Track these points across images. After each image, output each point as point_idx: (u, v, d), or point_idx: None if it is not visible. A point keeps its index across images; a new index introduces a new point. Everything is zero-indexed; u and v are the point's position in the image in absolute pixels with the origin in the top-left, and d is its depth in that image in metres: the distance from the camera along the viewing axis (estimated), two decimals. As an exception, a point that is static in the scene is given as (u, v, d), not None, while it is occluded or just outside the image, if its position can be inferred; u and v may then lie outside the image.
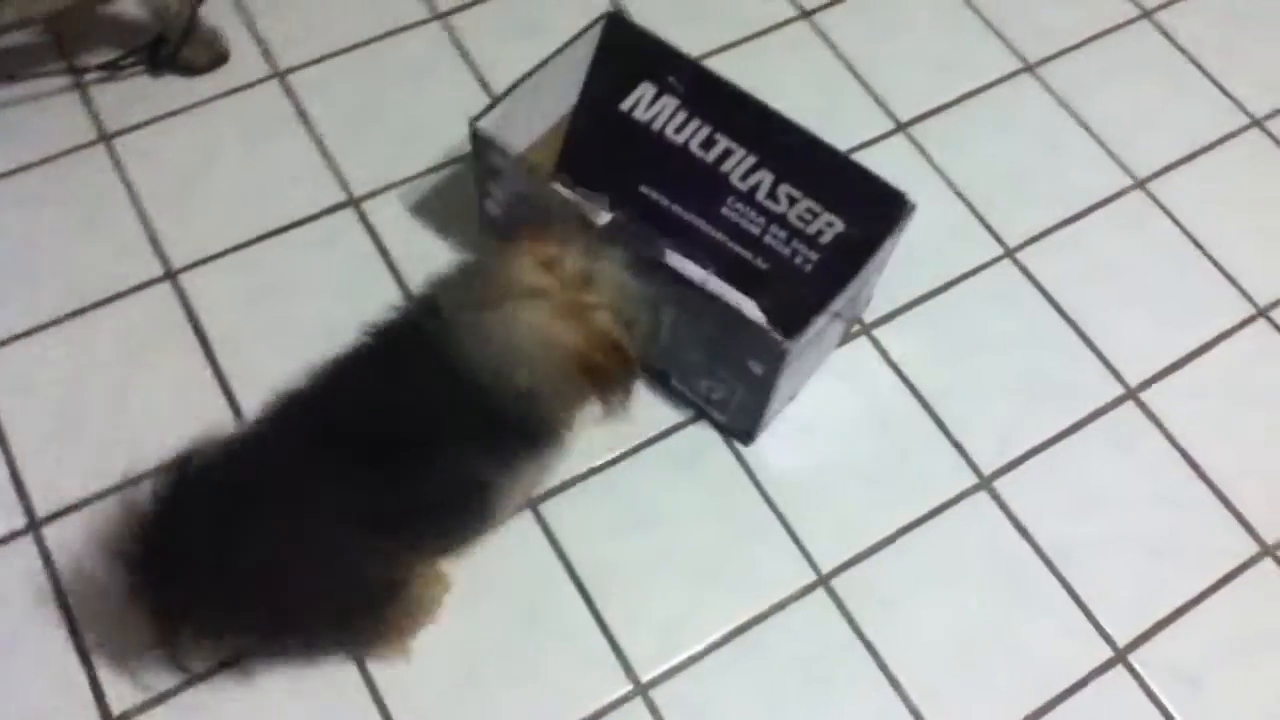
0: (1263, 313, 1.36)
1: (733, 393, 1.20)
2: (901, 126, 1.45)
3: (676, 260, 1.14)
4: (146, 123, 1.38)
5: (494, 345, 0.93)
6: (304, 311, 1.26)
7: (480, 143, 1.17)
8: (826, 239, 1.20)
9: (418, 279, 1.28)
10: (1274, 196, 1.45)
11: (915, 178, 1.41)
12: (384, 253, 1.31)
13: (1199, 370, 1.31)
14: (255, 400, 1.18)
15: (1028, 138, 1.46)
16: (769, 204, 1.22)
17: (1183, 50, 1.55)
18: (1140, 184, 1.44)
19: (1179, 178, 1.45)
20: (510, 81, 1.22)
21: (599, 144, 1.25)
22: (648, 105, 1.25)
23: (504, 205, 1.24)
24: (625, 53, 1.25)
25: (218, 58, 1.42)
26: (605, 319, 0.96)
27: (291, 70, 1.43)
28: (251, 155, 1.37)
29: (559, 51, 1.23)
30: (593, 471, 1.20)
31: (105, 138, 1.36)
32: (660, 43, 1.25)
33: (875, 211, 1.18)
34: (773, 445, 1.23)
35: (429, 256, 1.30)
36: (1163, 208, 1.42)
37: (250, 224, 1.32)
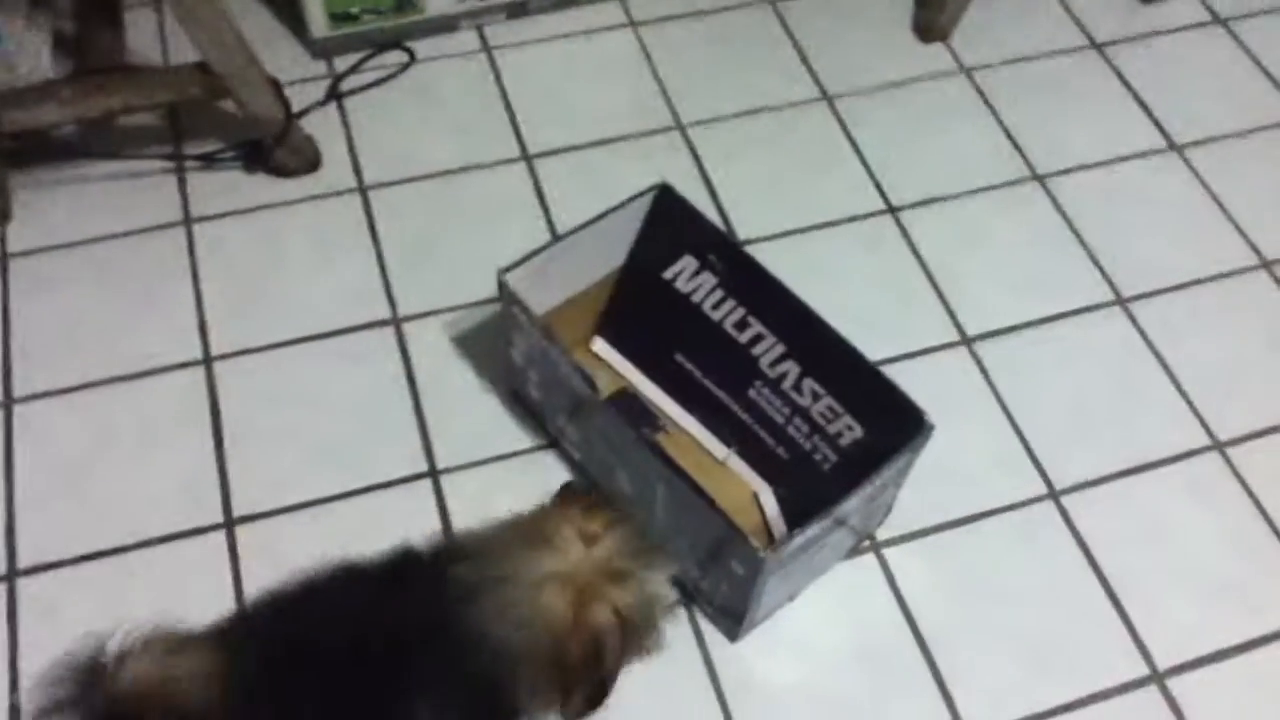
0: (1335, 615, 1.21)
1: (718, 586, 1.14)
2: (966, 340, 1.38)
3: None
4: (228, 214, 1.44)
5: (504, 613, 0.87)
6: (317, 423, 1.28)
7: (507, 294, 1.17)
8: (845, 442, 1.17)
9: (435, 412, 1.29)
10: (1374, 487, 1.30)
11: (968, 396, 1.34)
12: (411, 379, 1.32)
13: (1239, 669, 1.17)
14: (247, 498, 1.21)
15: (1100, 375, 1.37)
16: (794, 395, 1.20)
17: (1299, 310, 1.44)
18: (1218, 446, 1.32)
19: (1265, 447, 1.32)
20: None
21: (640, 307, 1.27)
22: (689, 278, 1.25)
23: (525, 358, 1.23)
24: (672, 224, 1.25)
25: (309, 164, 1.49)
26: (613, 624, 0.88)
27: (374, 187, 1.48)
28: (314, 260, 1.41)
29: (605, 215, 1.23)
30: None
31: (188, 221, 1.43)
32: (704, 220, 1.24)
33: (894, 424, 1.11)
34: (755, 648, 1.16)
35: (452, 391, 1.31)
36: (1238, 476, 1.30)
37: (294, 325, 1.35)
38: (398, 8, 1.60)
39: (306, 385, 1.31)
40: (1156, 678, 1.16)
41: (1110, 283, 1.44)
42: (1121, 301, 1.43)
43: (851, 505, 1.08)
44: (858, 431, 1.17)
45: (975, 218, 1.49)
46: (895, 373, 1.12)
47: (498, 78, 1.61)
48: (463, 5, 1.63)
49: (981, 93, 1.62)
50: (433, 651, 0.88)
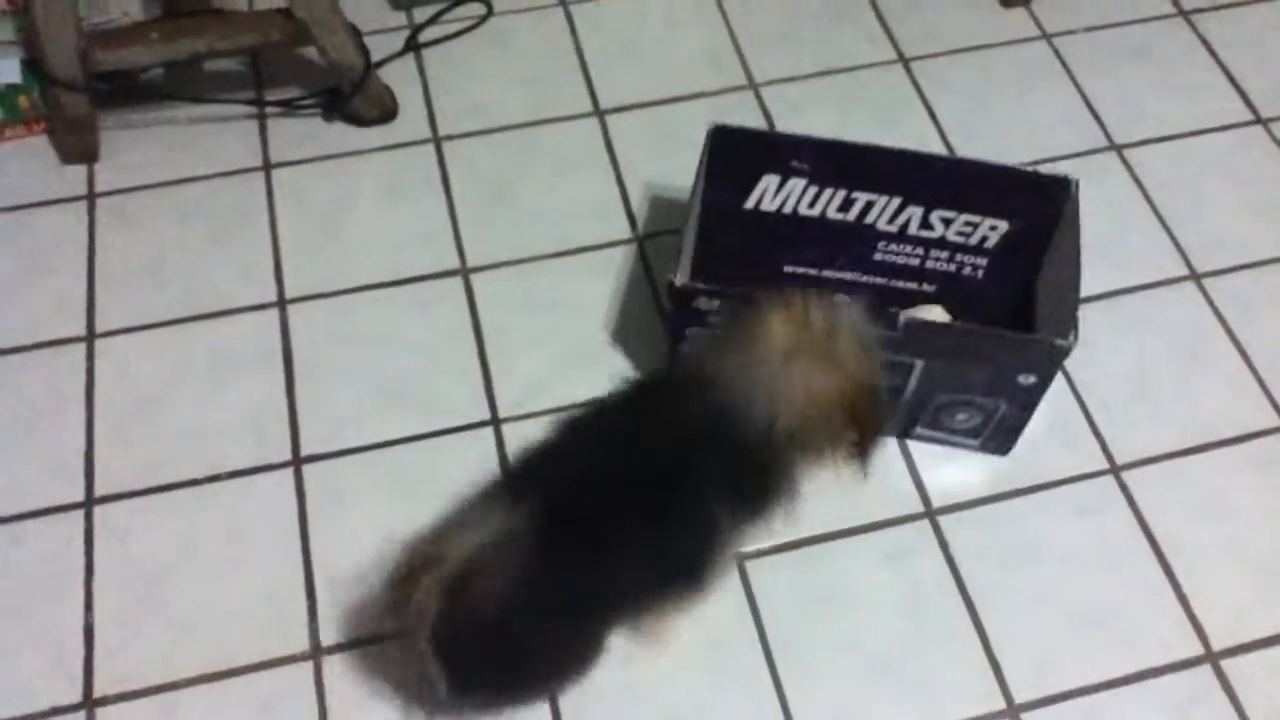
0: (1398, 604, 1.19)
1: (992, 413, 1.19)
2: (1033, 310, 1.37)
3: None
4: (306, 160, 1.48)
5: (762, 397, 0.94)
6: (383, 364, 1.31)
7: (683, 296, 1.14)
8: (992, 243, 1.23)
9: (499, 360, 1.31)
10: None
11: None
12: (477, 328, 1.34)
13: (1297, 650, 1.16)
14: (315, 437, 1.24)
15: (1170, 350, 1.35)
16: (924, 234, 1.24)
17: (1381, 292, 1.40)
18: (1288, 427, 1.30)
19: (1337, 431, 1.30)
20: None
21: (730, 247, 1.26)
22: (774, 195, 1.26)
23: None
24: (739, 155, 1.25)
25: (386, 114, 1.51)
26: (860, 368, 0.96)
27: (449, 138, 1.50)
28: (389, 209, 1.44)
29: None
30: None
31: (267, 167, 1.47)
32: (772, 135, 1.27)
33: (1036, 202, 1.20)
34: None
35: (514, 342, 1.33)
36: (1307, 459, 1.28)
37: (365, 272, 1.38)
38: (477, -40, 1.61)
39: (376, 330, 1.34)
40: (1210, 657, 1.15)
41: (1185, 257, 1.42)
42: (1195, 276, 1.41)
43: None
44: (1002, 226, 1.22)
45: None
46: (957, 339, 1.11)
47: (573, 32, 1.62)
48: (541, -41, 1.63)
49: (1061, 59, 1.59)
50: (709, 448, 0.95)
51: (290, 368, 1.31)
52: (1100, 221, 1.44)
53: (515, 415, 1.28)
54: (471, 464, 1.24)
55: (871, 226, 1.23)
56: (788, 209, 1.25)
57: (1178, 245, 1.43)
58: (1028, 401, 1.17)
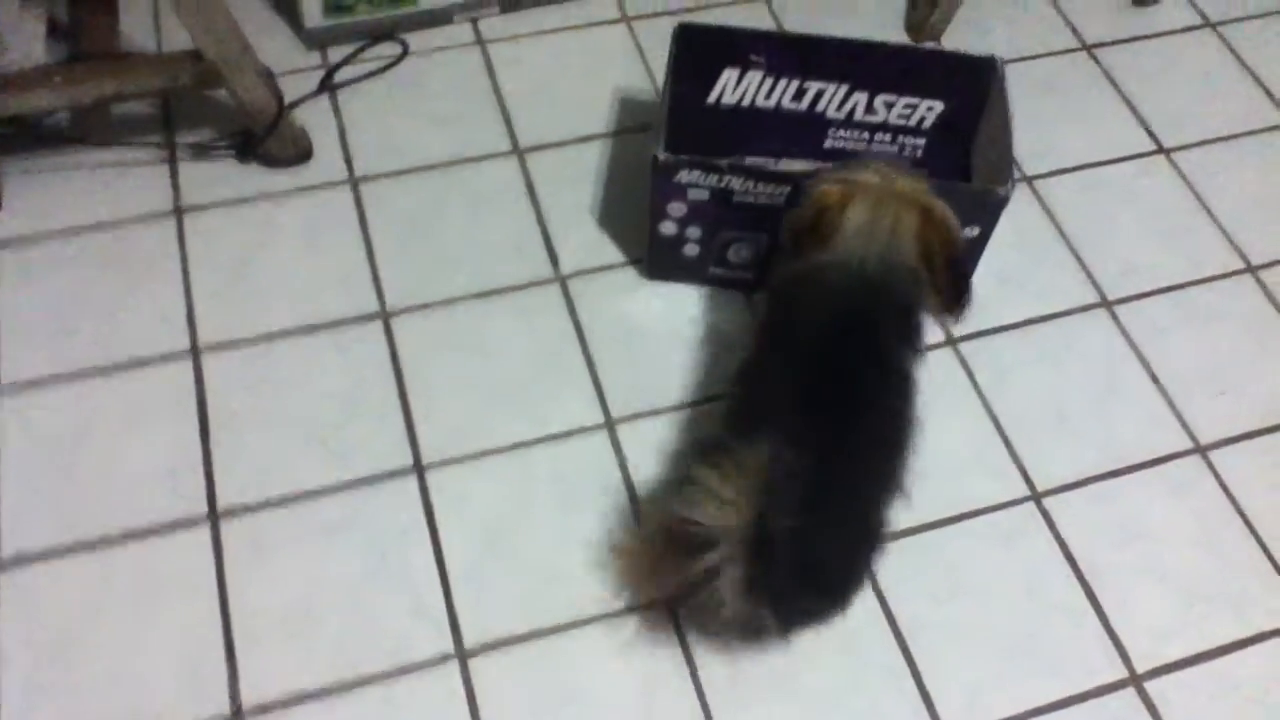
0: (1310, 619, 1.22)
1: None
2: (951, 340, 1.39)
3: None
4: (219, 204, 1.45)
5: (879, 250, 1.09)
6: (301, 411, 1.28)
7: (667, 169, 1.24)
8: (930, 122, 1.36)
9: (420, 403, 1.29)
10: (1353, 492, 1.31)
11: (953, 396, 1.34)
12: (397, 370, 1.32)
13: (1218, 670, 1.18)
14: (232, 488, 1.21)
15: (1084, 377, 1.37)
16: (869, 118, 1.35)
17: (1283, 314, 1.45)
18: (1200, 449, 1.33)
19: (1245, 450, 1.33)
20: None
21: (695, 140, 1.29)
22: (734, 88, 1.36)
23: (683, 216, 1.31)
24: (702, 51, 1.34)
25: (301, 155, 1.49)
26: (924, 196, 1.11)
27: (366, 179, 1.49)
28: (305, 252, 1.41)
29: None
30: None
31: (178, 211, 1.44)
32: (733, 30, 1.36)
33: (967, 82, 1.35)
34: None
35: (438, 382, 1.31)
36: (1219, 480, 1.31)
37: (282, 317, 1.36)
38: (392, -1, 1.60)
39: (293, 376, 1.31)
40: (1134, 680, 1.17)
41: (1095, 284, 1.45)
42: (1107, 303, 1.44)
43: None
44: (938, 106, 1.35)
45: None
46: (878, 373, 1.12)
47: (490, 71, 1.61)
48: (457, -3, 1.64)
49: (972, 93, 1.63)
50: (878, 310, 1.09)
51: (205, 418, 1.27)
52: (1013, 252, 1.47)
53: (438, 460, 1.26)
54: (394, 511, 1.22)
55: (822, 114, 1.35)
56: (746, 101, 1.35)
57: (1089, 273, 1.46)
58: (973, 254, 1.31)
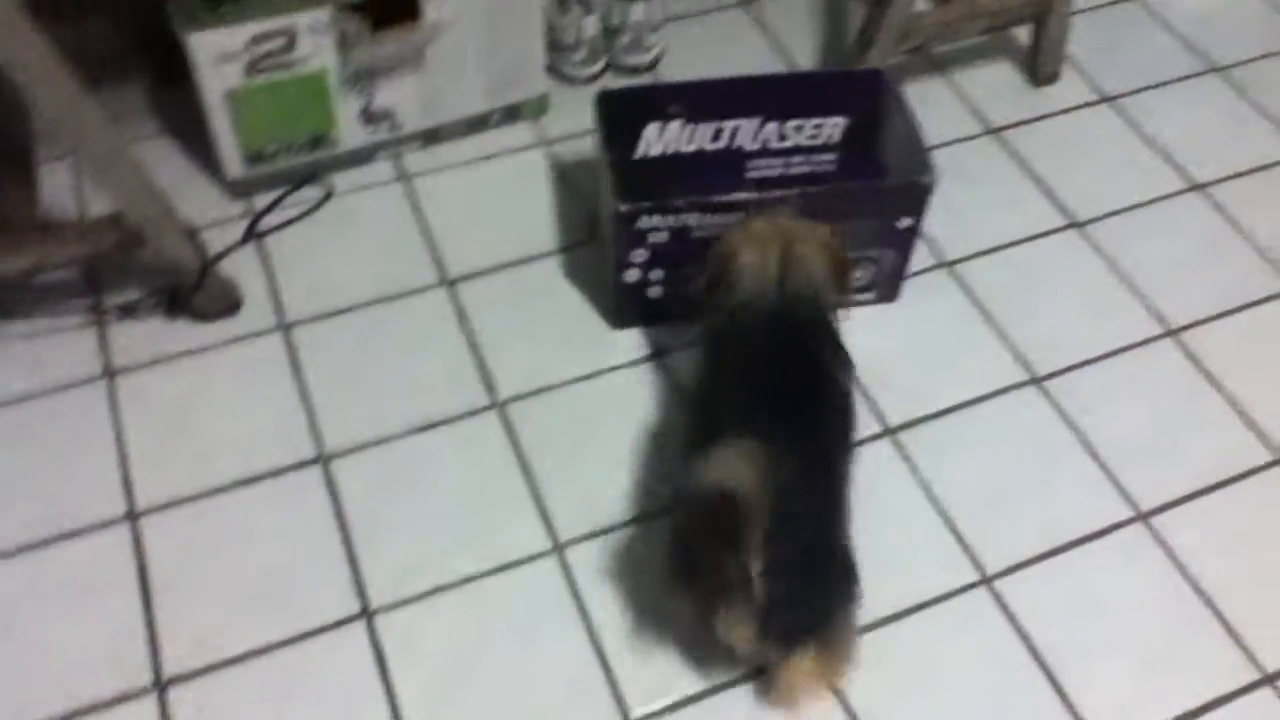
0: (1270, 680, 1.23)
1: (880, 263, 1.47)
2: (889, 430, 1.41)
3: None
4: (150, 363, 1.44)
5: (797, 283, 1.24)
6: (245, 567, 1.27)
7: (626, 215, 1.37)
8: (837, 138, 1.45)
9: (367, 544, 1.29)
10: (1295, 545, 1.33)
11: (895, 488, 1.35)
12: (340, 515, 1.32)
13: (1181, 740, 1.18)
14: (178, 655, 1.19)
15: (1023, 455, 1.39)
16: (782, 144, 1.44)
17: (1206, 373, 1.48)
18: (1143, 517, 1.34)
19: (1188, 513, 1.35)
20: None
21: (635, 194, 1.39)
22: (657, 140, 1.45)
23: (648, 258, 1.43)
24: (624, 111, 1.47)
25: (230, 307, 1.49)
26: (818, 233, 1.28)
27: (297, 324, 1.49)
28: (240, 404, 1.41)
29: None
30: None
31: (109, 374, 1.43)
32: (648, 88, 1.56)
33: (862, 92, 1.50)
34: None
35: (383, 525, 1.31)
36: (1165, 546, 1.32)
37: (220, 472, 1.35)
38: (312, 143, 1.62)
39: (235, 532, 1.30)
40: (1101, 758, 1.17)
41: (1024, 362, 1.48)
42: (1036, 380, 1.46)
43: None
44: (842, 121, 1.45)
45: (886, 307, 1.53)
46: (815, 477, 1.13)
47: (415, 205, 1.63)
48: (377, 136, 1.66)
49: (886, 185, 1.67)
50: (783, 329, 1.23)
51: (146, 584, 1.25)
52: (941, 339, 1.50)
53: (388, 604, 1.25)
54: (345, 662, 1.20)
55: (740, 149, 1.43)
56: (669, 151, 1.44)
57: (1016, 352, 1.49)
58: (905, 244, 1.46)
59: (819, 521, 1.11)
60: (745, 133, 1.44)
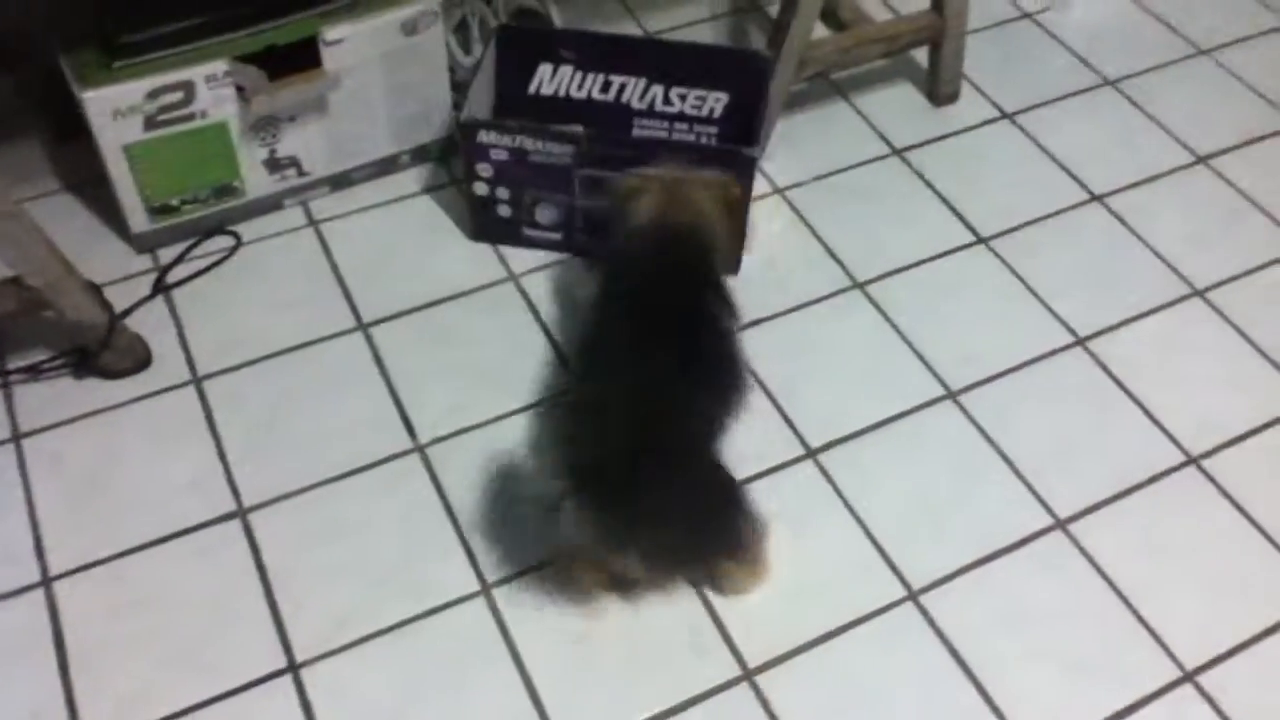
0: (1189, 677, 1.25)
1: None
2: (811, 452, 1.42)
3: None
4: (59, 424, 1.41)
5: (684, 227, 1.29)
6: (166, 628, 1.24)
7: (470, 126, 1.48)
8: (719, 112, 1.56)
9: (291, 597, 1.26)
10: (1209, 543, 1.36)
11: (820, 508, 1.37)
12: (261, 569, 1.29)
13: (1109, 742, 1.20)
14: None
15: (942, 469, 1.41)
16: (666, 109, 1.55)
17: (1116, 379, 1.51)
18: (1061, 524, 1.37)
19: (1104, 518, 1.38)
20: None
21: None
22: (549, 80, 1.56)
23: (493, 174, 1.52)
24: (520, 47, 1.57)
25: (139, 363, 1.47)
26: (708, 184, 1.33)
27: (209, 376, 1.47)
28: (154, 460, 1.38)
29: (478, 65, 1.56)
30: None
31: (16, 438, 1.40)
32: (546, 30, 1.64)
33: (744, 73, 1.58)
34: None
35: (305, 575, 1.29)
36: (1084, 551, 1.35)
37: (136, 531, 1.32)
38: (218, 194, 1.61)
39: (154, 592, 1.27)
40: (1033, 764, 1.18)
41: (938, 377, 1.51)
42: (951, 394, 1.49)
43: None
44: (724, 98, 1.57)
45: (804, 330, 1.55)
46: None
47: (326, 250, 1.62)
48: (284, 183, 1.65)
49: (797, 210, 1.69)
50: (687, 269, 1.28)
51: (63, 652, 1.22)
52: (858, 357, 1.52)
53: (315, 655, 1.23)
54: (274, 717, 1.18)
55: (627, 105, 1.53)
56: (560, 93, 1.54)
57: (930, 368, 1.51)
58: (743, 206, 1.47)
59: (691, 446, 1.16)
60: (633, 90, 1.54)
